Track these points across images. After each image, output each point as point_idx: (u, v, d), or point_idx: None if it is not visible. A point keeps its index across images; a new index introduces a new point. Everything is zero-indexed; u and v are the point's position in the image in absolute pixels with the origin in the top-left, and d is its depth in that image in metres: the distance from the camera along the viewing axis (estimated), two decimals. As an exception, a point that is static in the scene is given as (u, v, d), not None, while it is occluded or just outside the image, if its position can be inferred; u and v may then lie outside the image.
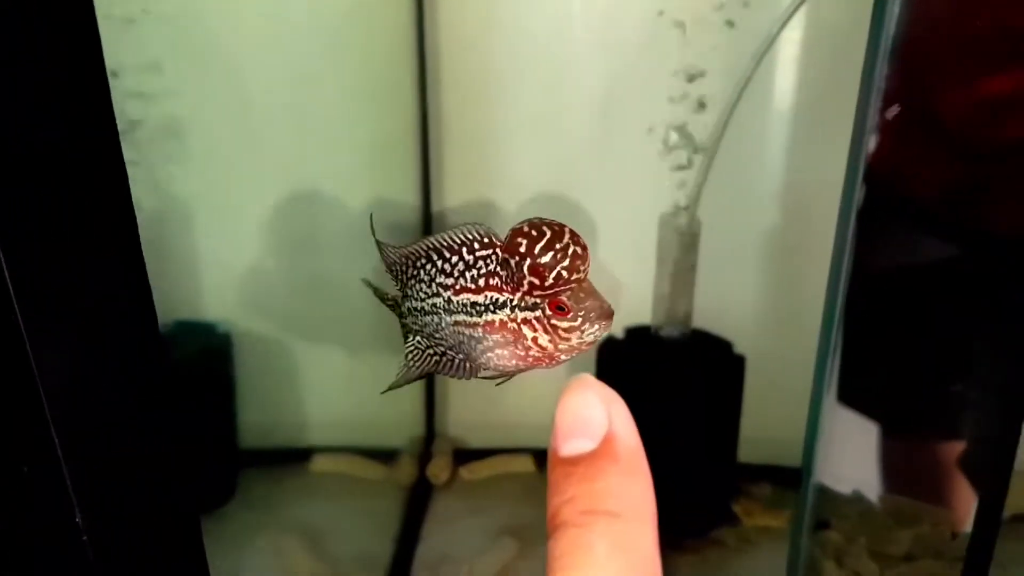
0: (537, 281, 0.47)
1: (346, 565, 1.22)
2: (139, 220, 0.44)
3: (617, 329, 1.43)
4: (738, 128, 1.31)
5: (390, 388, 0.57)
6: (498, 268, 0.48)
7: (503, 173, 1.48)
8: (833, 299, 0.95)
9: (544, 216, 0.48)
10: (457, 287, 0.50)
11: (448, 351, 0.54)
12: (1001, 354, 0.89)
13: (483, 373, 0.53)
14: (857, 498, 1.23)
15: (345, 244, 1.41)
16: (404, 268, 0.55)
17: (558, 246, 0.46)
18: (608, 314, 0.47)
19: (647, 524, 0.39)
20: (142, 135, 1.10)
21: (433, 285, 0.52)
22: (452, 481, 1.49)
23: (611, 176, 1.45)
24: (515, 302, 0.48)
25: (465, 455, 1.54)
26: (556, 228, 0.46)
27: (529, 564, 1.30)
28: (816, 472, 1.01)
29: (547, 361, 0.50)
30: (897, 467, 1.15)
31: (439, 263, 0.51)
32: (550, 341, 0.48)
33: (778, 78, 1.35)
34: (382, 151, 1.43)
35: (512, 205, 1.50)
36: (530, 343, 0.49)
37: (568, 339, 0.48)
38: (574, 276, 0.46)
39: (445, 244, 0.51)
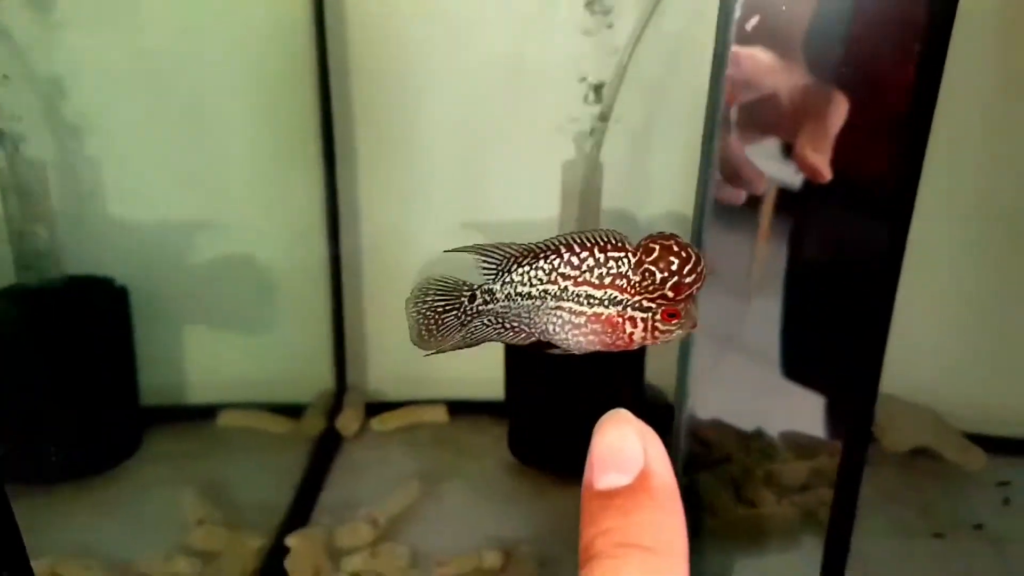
0: (672, 295, 0.53)
1: (245, 513, 1.22)
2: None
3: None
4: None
5: (438, 352, 0.61)
6: (629, 272, 0.54)
7: (413, 150, 1.49)
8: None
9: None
10: (580, 280, 0.55)
11: (519, 325, 0.59)
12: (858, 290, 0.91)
13: (551, 348, 0.58)
14: (758, 434, 1.26)
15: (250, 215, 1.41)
16: (520, 259, 0.59)
17: (699, 269, 0.52)
18: (696, 324, 0.54)
19: (681, 561, 0.40)
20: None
21: (553, 274, 0.57)
22: (363, 433, 1.49)
23: (521, 147, 1.46)
24: (630, 302, 0.54)
25: (380, 408, 1.53)
26: (696, 252, 0.52)
27: (434, 505, 1.31)
28: (687, 408, 1.03)
29: (624, 347, 0.56)
30: (778, 403, 1.18)
31: (566, 255, 0.56)
32: (643, 337, 0.55)
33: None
34: (283, 136, 1.43)
35: (425, 184, 1.51)
36: (625, 335, 0.55)
37: (659, 337, 0.55)
38: (697, 287, 0.53)
39: (578, 241, 0.56)
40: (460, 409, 1.56)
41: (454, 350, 0.61)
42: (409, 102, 1.46)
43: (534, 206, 1.45)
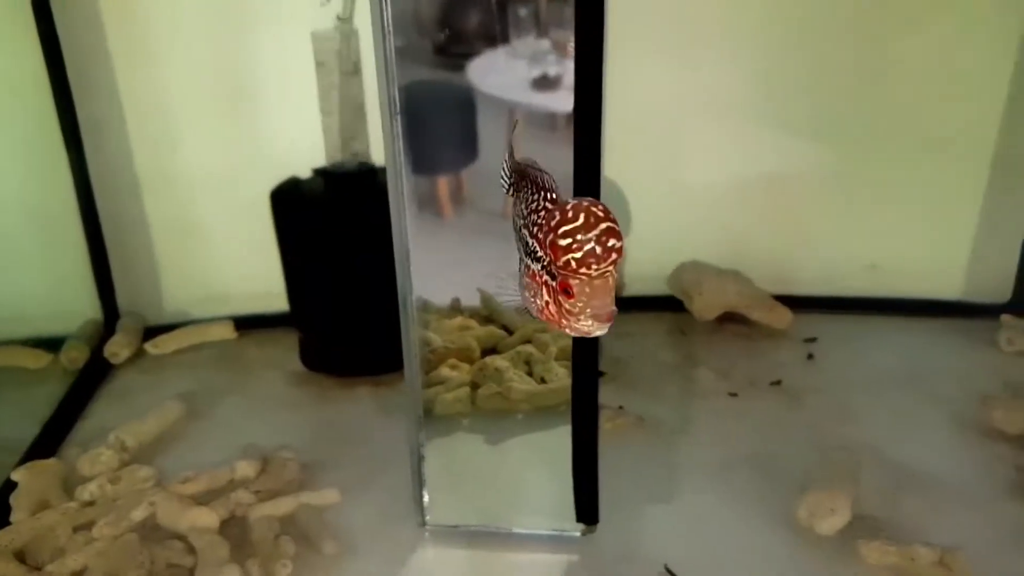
0: (551, 257, 0.47)
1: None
2: None
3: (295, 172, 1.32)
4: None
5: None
6: (549, 228, 0.48)
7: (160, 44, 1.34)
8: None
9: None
10: (528, 222, 0.51)
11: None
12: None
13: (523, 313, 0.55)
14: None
15: None
16: (516, 179, 0.56)
17: (580, 236, 0.46)
18: (606, 318, 0.48)
19: None
20: None
21: (521, 206, 0.53)
22: (138, 359, 1.36)
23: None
24: (546, 262, 0.48)
25: (163, 333, 1.41)
26: (591, 219, 0.46)
27: (203, 423, 1.21)
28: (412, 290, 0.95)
29: (557, 327, 0.50)
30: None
31: (531, 193, 0.52)
32: (556, 313, 0.49)
33: None
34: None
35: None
36: (543, 304, 0.50)
37: (566, 322, 0.49)
38: (583, 270, 0.46)
39: (538, 181, 0.52)
40: (253, 324, 1.45)
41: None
42: None
43: (292, 77, 1.32)
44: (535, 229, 0.50)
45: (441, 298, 1.22)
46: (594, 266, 0.46)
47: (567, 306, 0.48)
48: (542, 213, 0.50)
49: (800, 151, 1.43)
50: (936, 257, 1.49)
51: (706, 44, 1.38)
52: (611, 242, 0.46)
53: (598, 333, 0.49)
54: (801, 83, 1.39)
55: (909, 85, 1.38)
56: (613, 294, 0.48)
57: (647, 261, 1.44)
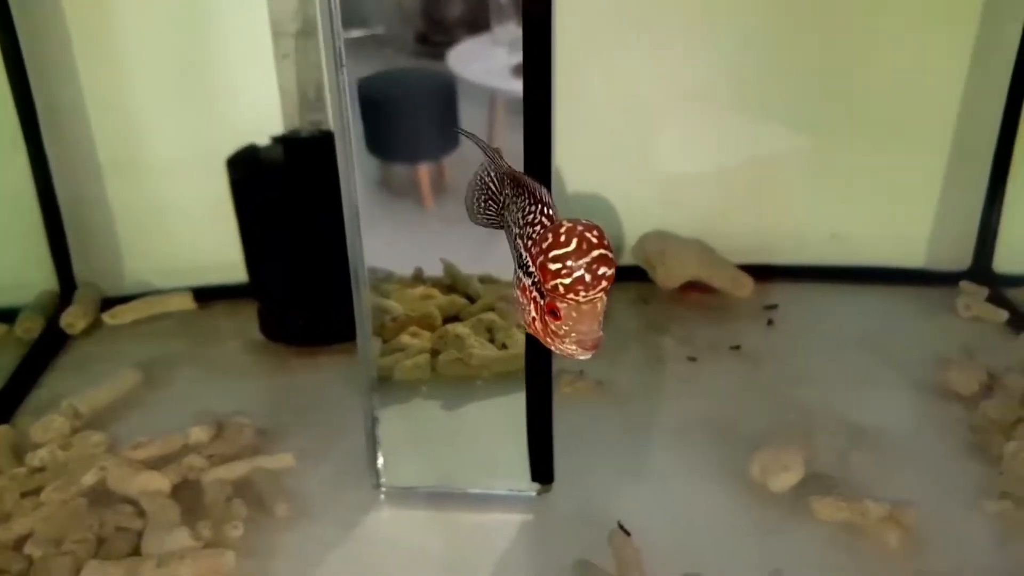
0: (540, 278, 0.46)
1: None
2: None
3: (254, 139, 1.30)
4: None
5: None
6: (542, 244, 0.46)
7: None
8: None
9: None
10: (523, 233, 0.50)
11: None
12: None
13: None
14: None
15: None
16: (511, 187, 0.54)
17: (571, 263, 0.44)
18: (591, 345, 0.47)
19: None
20: None
21: (517, 214, 0.52)
22: (95, 329, 1.35)
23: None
24: (535, 279, 0.47)
25: (122, 303, 1.40)
26: (584, 245, 0.45)
27: (160, 391, 1.19)
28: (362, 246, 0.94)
29: (534, 333, 0.50)
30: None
31: (528, 204, 0.51)
32: (542, 330, 0.49)
33: None
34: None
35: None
36: (530, 319, 0.50)
37: (551, 341, 0.48)
38: (571, 295, 0.45)
39: (536, 193, 0.51)
40: (214, 296, 1.43)
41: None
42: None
43: (248, 43, 1.30)
44: (529, 243, 0.49)
45: (404, 269, 1.22)
46: (582, 293, 0.45)
47: (552, 327, 0.47)
48: (538, 228, 0.49)
49: (769, 130, 1.44)
50: (899, 228, 1.50)
51: (679, 29, 1.39)
52: (602, 270, 0.45)
53: (582, 357, 0.48)
54: (772, 65, 1.40)
55: (876, 68, 1.40)
56: (601, 319, 0.47)
57: (613, 232, 1.44)
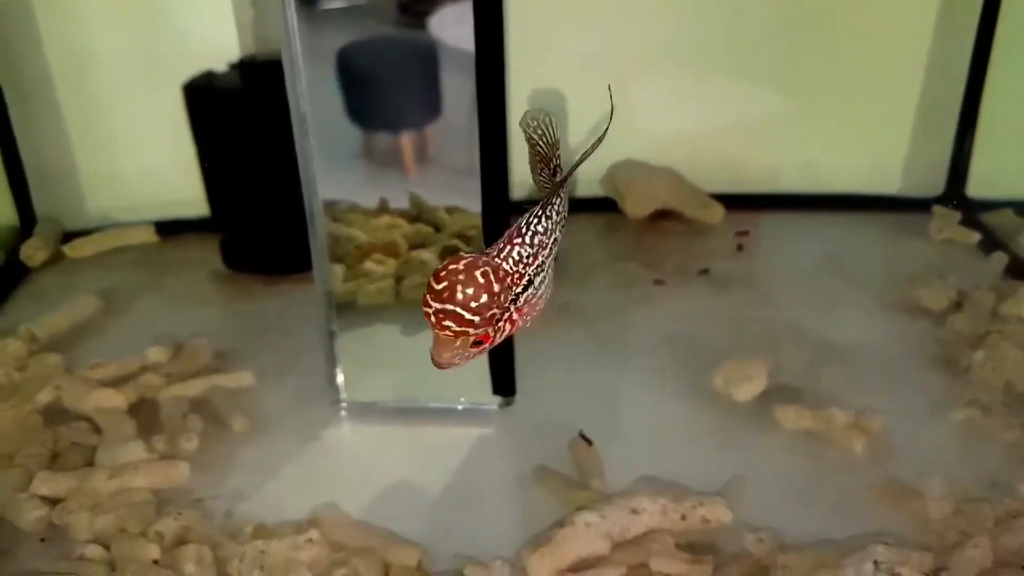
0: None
1: None
2: None
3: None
4: None
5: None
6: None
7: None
8: None
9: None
10: (527, 216, 0.58)
11: None
12: None
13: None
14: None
15: None
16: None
17: (429, 297, 0.49)
18: (433, 362, 0.53)
19: None
20: None
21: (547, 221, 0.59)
22: (56, 262, 1.32)
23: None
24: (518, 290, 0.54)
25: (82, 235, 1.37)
26: (445, 293, 0.48)
27: (120, 318, 1.18)
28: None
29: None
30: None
31: (536, 208, 0.59)
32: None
33: None
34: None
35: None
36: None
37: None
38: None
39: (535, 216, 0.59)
40: (177, 229, 1.41)
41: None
42: None
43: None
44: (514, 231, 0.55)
45: (369, 202, 1.20)
46: (432, 320, 0.49)
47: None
48: (523, 227, 0.56)
49: (745, 67, 1.42)
50: (873, 155, 1.49)
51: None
52: (446, 321, 0.49)
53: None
54: (750, 6, 1.38)
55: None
56: (450, 354, 0.52)
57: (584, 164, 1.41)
